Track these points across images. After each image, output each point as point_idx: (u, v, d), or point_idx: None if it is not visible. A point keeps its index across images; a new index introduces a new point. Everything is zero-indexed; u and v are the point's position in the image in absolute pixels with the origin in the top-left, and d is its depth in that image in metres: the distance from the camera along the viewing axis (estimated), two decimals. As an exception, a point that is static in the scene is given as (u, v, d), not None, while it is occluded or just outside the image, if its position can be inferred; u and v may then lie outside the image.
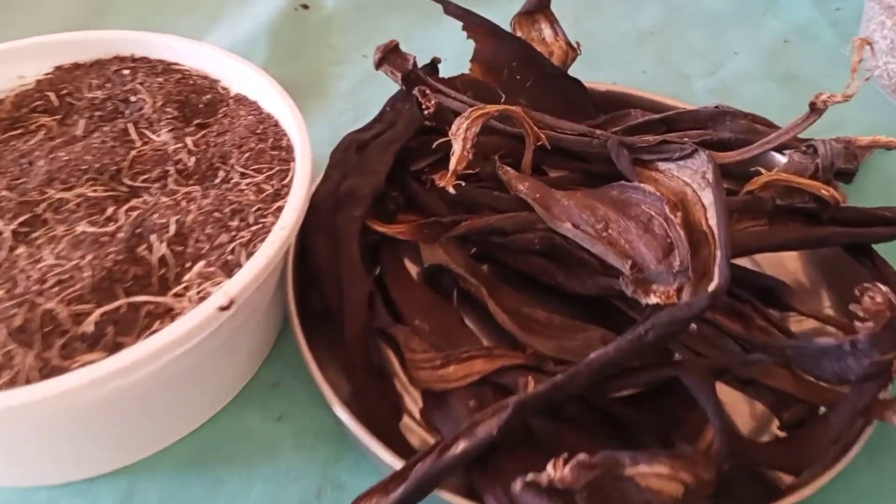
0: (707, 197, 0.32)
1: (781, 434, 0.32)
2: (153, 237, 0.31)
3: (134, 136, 0.36)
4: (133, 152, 0.35)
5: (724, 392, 0.32)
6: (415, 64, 0.41)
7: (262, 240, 0.30)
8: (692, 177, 0.34)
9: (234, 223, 0.32)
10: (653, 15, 0.62)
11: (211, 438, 0.32)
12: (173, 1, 0.61)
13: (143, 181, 0.34)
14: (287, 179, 0.34)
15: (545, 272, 0.36)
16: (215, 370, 0.32)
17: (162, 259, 0.30)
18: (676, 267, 0.30)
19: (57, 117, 0.38)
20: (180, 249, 0.31)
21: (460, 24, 0.44)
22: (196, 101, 0.38)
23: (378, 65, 0.41)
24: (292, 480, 0.31)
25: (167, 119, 0.37)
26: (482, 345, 0.34)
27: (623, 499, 0.24)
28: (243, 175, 0.34)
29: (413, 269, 0.38)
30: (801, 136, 0.37)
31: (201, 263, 0.30)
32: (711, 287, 0.28)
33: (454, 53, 0.45)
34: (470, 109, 0.36)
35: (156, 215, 0.32)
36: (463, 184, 0.35)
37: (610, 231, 0.32)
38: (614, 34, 0.60)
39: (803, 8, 0.62)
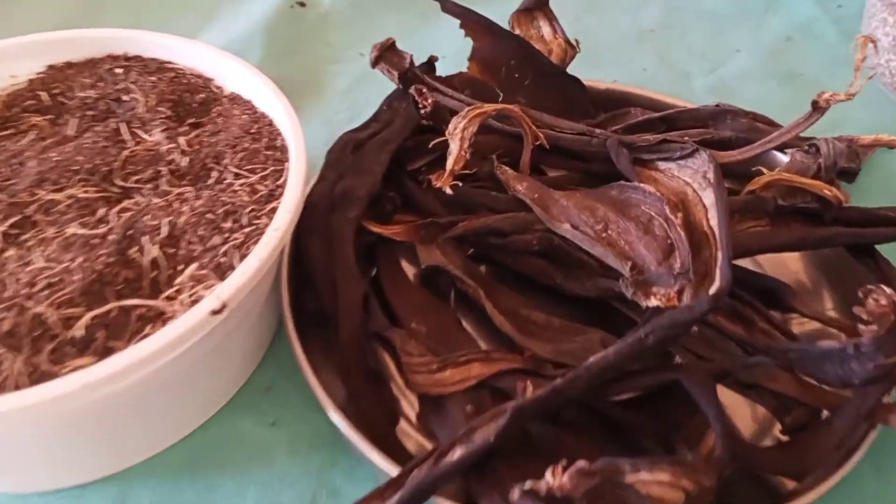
0: (708, 197, 0.32)
1: (783, 438, 0.31)
2: (145, 239, 0.30)
3: (126, 135, 0.36)
4: (125, 152, 0.35)
5: (726, 395, 0.31)
6: (411, 62, 0.40)
7: (256, 242, 0.30)
8: (693, 176, 0.34)
9: (228, 225, 0.31)
10: (653, 12, 0.62)
11: (204, 444, 0.32)
12: (168, -1, 0.61)
13: (135, 182, 0.34)
14: (281, 180, 0.33)
15: (544, 273, 0.35)
16: (208, 374, 0.31)
17: (154, 261, 0.30)
18: (677, 269, 0.29)
19: (49, 117, 0.37)
20: (172, 252, 0.30)
21: (458, 21, 0.43)
22: (189, 100, 0.38)
23: (374, 63, 0.40)
24: (286, 486, 0.31)
25: (160, 119, 0.36)
26: (480, 348, 0.33)
27: (623, 507, 0.23)
28: (237, 175, 0.34)
29: (410, 270, 0.38)
30: (802, 134, 0.37)
31: (194, 266, 0.30)
32: (713, 289, 0.28)
33: (452, 52, 0.44)
34: (467, 108, 0.35)
35: (148, 217, 0.31)
36: (460, 184, 0.34)
37: (609, 232, 0.32)
38: (614, 32, 0.59)
39: (805, 5, 0.61)
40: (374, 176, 0.37)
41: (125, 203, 0.32)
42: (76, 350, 0.27)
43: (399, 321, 0.34)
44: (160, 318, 0.28)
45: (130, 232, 0.31)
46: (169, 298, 0.29)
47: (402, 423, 0.32)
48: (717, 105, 0.41)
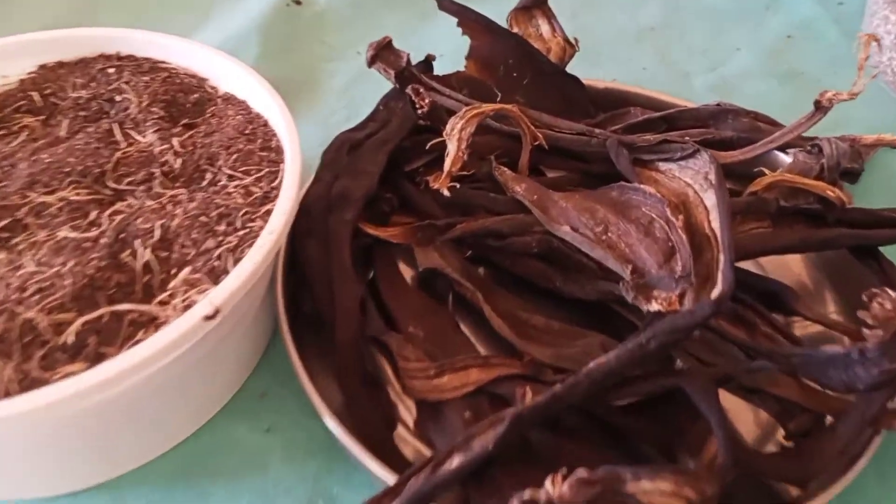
0: (710, 199, 0.31)
1: (787, 443, 0.31)
2: (137, 243, 0.30)
3: (119, 136, 0.35)
4: (118, 154, 0.34)
5: (728, 399, 0.31)
6: (408, 61, 0.40)
7: (250, 245, 0.30)
8: (694, 177, 0.33)
9: (221, 227, 0.31)
10: (652, 10, 0.61)
11: (197, 451, 0.31)
12: (164, -3, 0.60)
13: (128, 184, 0.33)
14: (276, 182, 0.33)
15: (543, 276, 0.35)
16: (201, 380, 0.31)
17: (146, 265, 0.29)
18: (678, 272, 0.29)
19: (40, 118, 0.37)
20: (165, 255, 0.30)
21: (455, 19, 0.42)
22: (183, 100, 0.37)
23: (370, 62, 0.40)
24: (282, 493, 0.30)
25: (153, 119, 0.36)
26: (478, 352, 0.33)
27: (624, 516, 0.23)
28: (231, 177, 0.33)
29: (408, 273, 0.37)
30: (804, 134, 0.36)
31: (187, 270, 0.29)
32: (715, 293, 0.27)
33: (450, 50, 0.44)
34: (465, 109, 0.34)
35: (140, 220, 0.31)
36: (458, 186, 0.34)
37: (609, 234, 0.31)
38: (613, 30, 0.59)
39: (805, 4, 0.61)
40: (370, 177, 0.36)
41: (117, 205, 0.32)
42: (67, 356, 0.27)
43: (396, 325, 0.33)
44: (153, 323, 0.28)
45: (123, 235, 0.30)
46: (162, 303, 0.28)
47: (400, 429, 0.31)
48: (717, 104, 0.40)
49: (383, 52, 0.40)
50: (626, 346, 0.27)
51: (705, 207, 0.31)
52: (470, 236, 0.35)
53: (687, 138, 0.36)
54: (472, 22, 0.42)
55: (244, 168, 0.33)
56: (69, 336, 0.27)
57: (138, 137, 0.35)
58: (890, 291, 0.28)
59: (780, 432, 0.31)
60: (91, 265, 0.29)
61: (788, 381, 0.30)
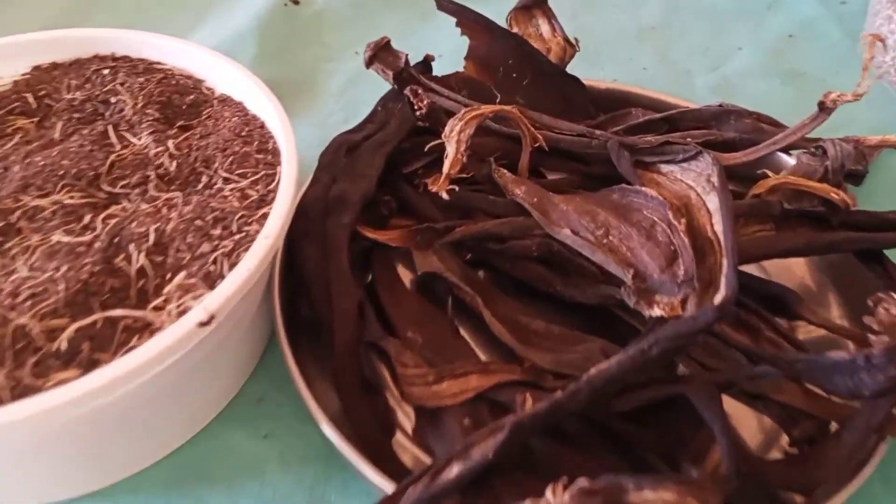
0: (712, 201, 0.31)
1: (791, 450, 0.30)
2: (132, 247, 0.30)
3: (113, 139, 0.35)
4: (112, 156, 0.34)
5: (731, 404, 0.31)
6: (407, 62, 0.39)
7: (246, 249, 0.29)
8: (696, 180, 0.33)
9: (217, 231, 0.30)
10: (653, 10, 0.61)
11: (193, 458, 0.31)
12: (160, -3, 0.60)
13: (123, 187, 0.33)
14: (273, 184, 0.32)
15: (543, 280, 0.34)
16: (197, 387, 0.30)
17: (141, 270, 0.29)
18: (681, 276, 0.29)
19: (34, 120, 0.37)
20: (160, 260, 0.29)
21: (454, 19, 0.42)
22: (179, 102, 0.37)
23: (368, 63, 0.39)
24: (279, 501, 0.30)
25: (148, 121, 0.35)
26: (477, 357, 0.32)
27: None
28: (227, 180, 0.33)
29: (407, 276, 0.37)
30: (807, 135, 0.36)
31: (182, 275, 0.29)
32: (718, 299, 0.27)
33: (450, 51, 0.43)
34: (464, 110, 0.34)
35: (135, 224, 0.30)
36: (456, 188, 0.33)
37: (611, 238, 0.31)
38: (613, 30, 0.58)
39: (807, 3, 0.60)
40: (368, 180, 0.36)
41: (112, 209, 0.32)
42: (60, 363, 0.26)
43: (395, 329, 0.33)
44: (147, 329, 0.27)
45: (117, 239, 0.30)
46: (156, 309, 0.28)
47: (399, 436, 0.31)
48: (720, 105, 0.40)
49: (381, 53, 0.39)
50: (627, 353, 0.26)
51: (708, 210, 0.31)
52: (469, 239, 0.35)
53: (689, 140, 0.36)
54: (471, 22, 0.42)
55: (240, 171, 0.33)
56: (62, 342, 0.27)
57: (133, 140, 0.35)
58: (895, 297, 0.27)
59: (785, 438, 0.30)
60: (85, 270, 0.28)
61: (792, 388, 0.29)
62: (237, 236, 0.30)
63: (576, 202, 0.33)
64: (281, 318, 0.32)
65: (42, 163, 0.33)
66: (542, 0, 0.44)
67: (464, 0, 0.42)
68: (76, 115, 0.36)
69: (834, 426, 0.29)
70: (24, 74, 0.38)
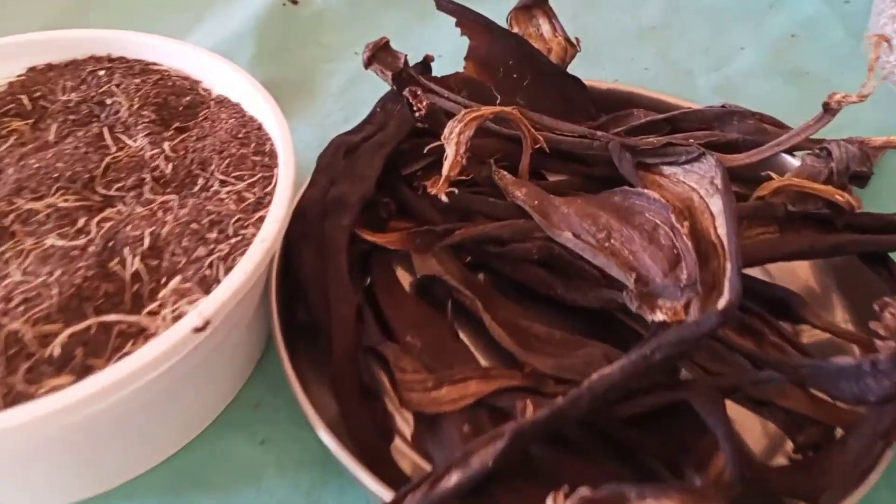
0: (716, 204, 0.31)
1: (795, 455, 0.30)
2: (126, 251, 0.29)
3: (109, 141, 0.34)
4: (107, 159, 0.33)
5: (735, 409, 0.30)
6: (406, 62, 0.39)
7: (242, 253, 0.29)
8: (699, 182, 0.33)
9: (213, 235, 0.30)
10: (654, 9, 0.60)
11: (188, 464, 0.31)
12: (158, -3, 0.60)
13: (117, 190, 0.32)
14: (270, 187, 0.32)
15: (544, 283, 0.34)
16: (193, 393, 0.30)
17: (135, 274, 0.29)
18: (684, 280, 0.28)
19: (29, 121, 0.36)
20: (155, 264, 0.29)
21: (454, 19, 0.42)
22: (175, 103, 0.37)
23: (367, 63, 0.39)
24: (276, 508, 0.29)
25: (144, 123, 0.35)
26: (477, 361, 0.32)
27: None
28: (223, 183, 0.32)
29: (406, 278, 0.36)
30: (811, 136, 0.35)
31: (177, 279, 0.28)
32: (721, 304, 0.26)
33: (450, 51, 0.43)
34: (464, 112, 0.34)
35: (129, 227, 0.30)
36: (456, 191, 0.33)
37: (612, 241, 0.31)
38: (614, 30, 0.58)
39: (810, 1, 0.60)
40: (367, 182, 0.35)
41: (106, 212, 0.31)
42: (53, 369, 0.26)
43: (394, 334, 0.32)
44: (142, 334, 0.27)
45: (111, 243, 0.29)
46: (151, 314, 0.28)
47: (398, 441, 0.30)
48: (722, 106, 0.39)
49: (380, 53, 0.39)
50: (629, 358, 0.26)
51: (711, 213, 0.30)
52: (469, 242, 0.34)
53: (692, 141, 0.35)
54: (470, 22, 0.41)
55: (237, 173, 0.33)
56: (55, 348, 0.26)
57: (129, 142, 0.34)
58: (902, 301, 0.27)
59: (789, 443, 0.30)
60: (78, 274, 0.28)
61: (797, 393, 0.29)
62: (233, 240, 0.30)
63: (577, 205, 0.33)
64: (278, 323, 0.31)
65: (36, 165, 0.33)
66: (542, 0, 0.44)
67: (464, 0, 0.41)
68: (71, 117, 0.36)
69: (839, 432, 0.29)
70: (19, 76, 0.38)
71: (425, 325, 0.32)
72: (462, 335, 0.34)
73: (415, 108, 0.36)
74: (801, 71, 0.53)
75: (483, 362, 0.32)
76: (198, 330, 0.26)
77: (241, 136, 0.34)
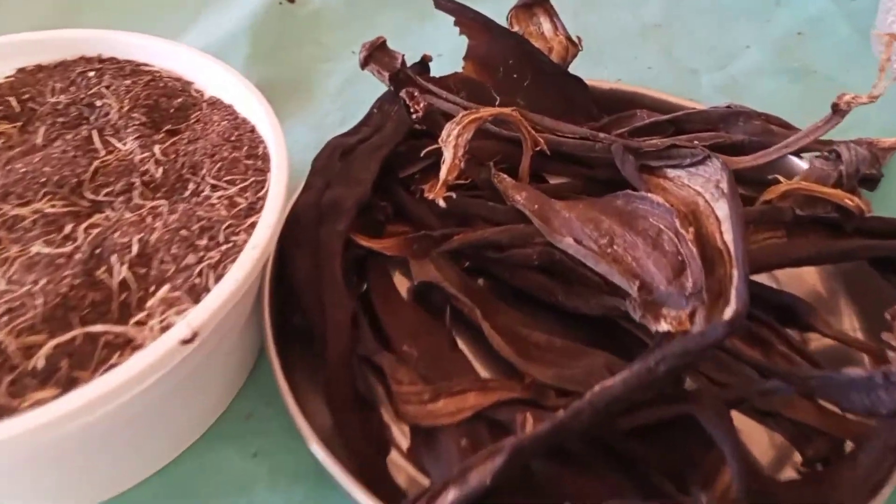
0: (721, 209, 0.30)
1: (804, 468, 0.29)
2: (114, 258, 0.28)
3: (98, 144, 0.33)
4: (96, 163, 0.32)
5: (742, 420, 0.29)
6: (403, 62, 0.38)
7: (233, 261, 0.28)
8: (704, 185, 0.32)
9: (203, 242, 0.29)
10: (657, 7, 0.59)
11: (178, 478, 0.30)
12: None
13: (106, 195, 0.31)
14: (262, 192, 0.31)
15: (545, 290, 0.33)
16: (182, 405, 0.29)
17: (123, 283, 0.28)
18: (689, 288, 0.27)
19: (18, 124, 0.35)
20: (143, 272, 0.28)
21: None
22: (166, 105, 0.36)
23: (364, 63, 0.38)
24: (268, 522, 0.29)
25: (134, 125, 0.34)
26: (475, 372, 0.31)
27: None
28: (215, 187, 0.31)
29: (404, 283, 0.35)
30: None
31: (166, 288, 0.27)
32: (728, 313, 0.26)
33: (449, 50, 0.42)
34: (462, 114, 0.33)
35: (117, 234, 0.29)
36: (454, 195, 0.32)
37: (615, 247, 0.30)
38: (617, 28, 0.57)
39: (816, -1, 0.59)
40: (363, 185, 0.34)
41: (94, 218, 0.30)
42: (37, 382, 0.25)
43: (390, 342, 0.32)
44: (129, 345, 0.26)
45: (98, 250, 0.29)
46: (139, 324, 0.27)
47: (394, 454, 0.30)
48: (728, 106, 0.38)
49: (377, 53, 0.38)
50: (632, 371, 0.25)
51: (717, 218, 0.29)
52: (468, 248, 0.33)
53: (696, 142, 0.34)
54: (470, 21, 0.41)
55: (229, 177, 0.32)
56: (39, 360, 0.25)
57: (118, 145, 0.33)
58: (915, 310, 0.26)
59: (798, 454, 0.29)
60: (64, 283, 0.27)
61: (805, 405, 0.28)
62: (224, 247, 0.29)
63: (578, 209, 0.32)
64: (271, 332, 0.31)
65: (23, 170, 0.32)
66: (543, -3, 0.43)
67: (463, -1, 0.41)
68: (60, 120, 0.35)
69: (849, 445, 0.28)
70: (7, 77, 0.37)
71: (422, 333, 0.32)
72: (461, 343, 0.33)
73: (412, 110, 0.35)
74: (808, 69, 0.52)
75: (482, 371, 0.32)
76: (186, 342, 0.25)
77: (233, 139, 0.33)
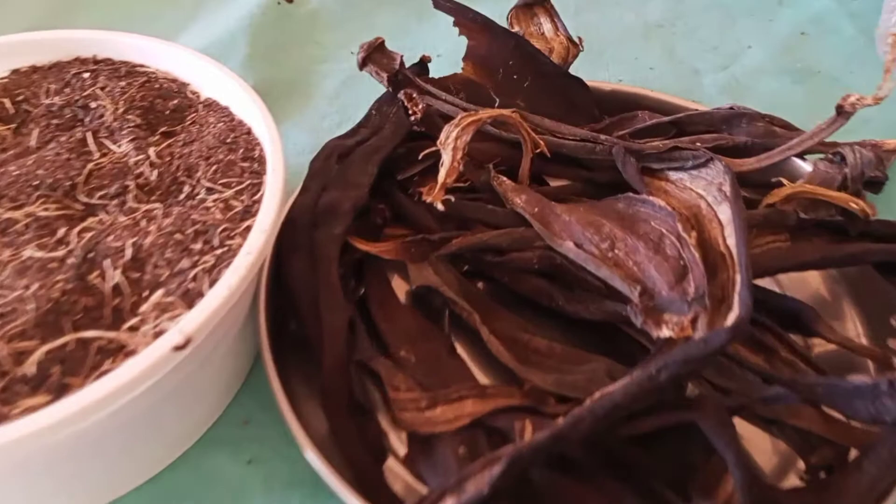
0: (724, 212, 0.29)
1: (807, 477, 0.28)
2: (107, 263, 0.28)
3: (92, 146, 0.33)
4: (90, 165, 0.32)
5: (744, 426, 0.29)
6: (402, 63, 0.37)
7: (228, 265, 0.27)
8: (707, 188, 0.31)
9: (198, 246, 0.28)
10: (659, 6, 0.59)
11: (173, 484, 0.29)
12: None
13: (100, 198, 0.31)
14: (258, 195, 0.31)
15: (545, 294, 0.32)
16: (177, 411, 0.29)
17: (116, 288, 0.27)
18: (691, 294, 0.27)
19: (12, 126, 0.35)
20: (137, 276, 0.28)
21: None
22: (162, 106, 0.35)
23: (362, 64, 0.38)
24: (263, 530, 0.28)
25: (129, 127, 0.34)
26: (474, 378, 0.30)
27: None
28: (210, 190, 0.31)
29: (403, 286, 0.35)
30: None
31: (159, 292, 0.27)
32: (731, 318, 0.25)
33: (449, 51, 0.42)
34: (461, 115, 0.32)
35: (111, 237, 0.29)
36: (452, 199, 0.32)
37: (616, 251, 0.29)
38: (618, 28, 0.56)
39: (819, -2, 0.58)
40: (360, 188, 0.34)
41: (88, 222, 0.30)
42: (29, 388, 0.25)
43: (387, 347, 0.31)
44: (121, 351, 0.26)
45: (91, 255, 0.28)
46: (132, 329, 0.26)
47: (391, 461, 0.29)
48: (731, 107, 0.38)
49: (375, 54, 0.37)
50: (633, 378, 0.25)
51: (719, 222, 0.29)
52: (467, 251, 0.33)
53: (698, 144, 0.34)
54: (469, 21, 0.40)
55: (224, 180, 0.31)
56: (31, 366, 0.25)
57: (113, 147, 0.33)
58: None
59: (801, 463, 0.29)
60: (56, 288, 0.27)
61: (810, 412, 0.28)
62: (219, 251, 0.28)
63: (579, 212, 0.31)
64: (266, 337, 0.30)
65: (16, 172, 0.31)
66: (543, -3, 0.42)
67: (463, -1, 0.40)
68: (54, 122, 0.34)
69: (854, 453, 0.28)
70: (1, 78, 0.37)
71: (420, 338, 0.31)
72: (459, 348, 0.32)
73: (410, 112, 0.35)
74: (812, 70, 0.52)
75: (481, 377, 0.31)
76: (178, 348, 0.24)
77: (229, 141, 0.33)
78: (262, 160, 0.32)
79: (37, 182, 0.31)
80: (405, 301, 0.34)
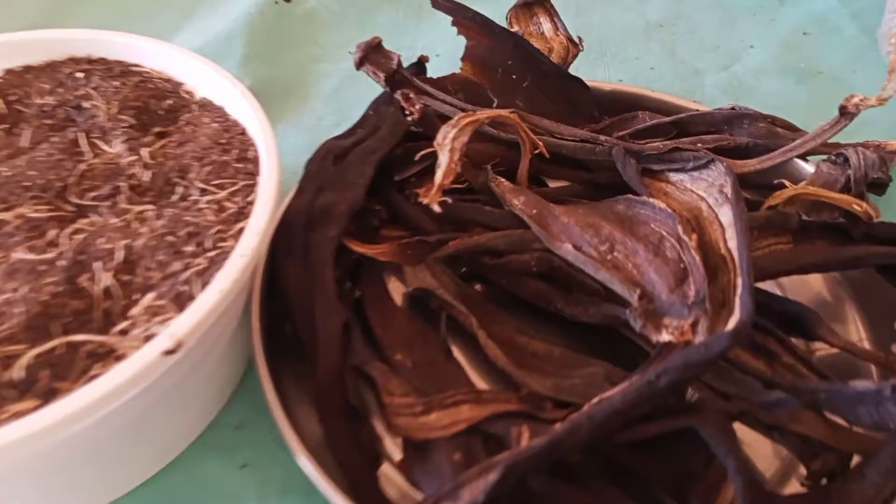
0: (725, 214, 0.29)
1: (809, 483, 0.28)
2: (97, 265, 0.27)
3: (85, 147, 0.32)
4: (82, 166, 0.31)
5: (745, 431, 0.28)
6: (399, 63, 0.37)
7: (221, 268, 0.27)
8: (708, 190, 0.31)
9: (190, 248, 0.28)
10: (660, 6, 0.58)
11: (165, 490, 0.29)
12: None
13: (92, 199, 0.30)
14: (252, 196, 0.30)
15: (543, 297, 0.32)
16: (168, 416, 0.28)
17: (106, 291, 0.27)
18: (691, 297, 0.26)
19: (5, 126, 0.34)
20: (127, 279, 0.27)
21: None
22: (156, 106, 0.35)
23: (359, 64, 0.37)
24: (255, 537, 0.28)
25: (122, 128, 0.33)
26: (471, 382, 0.30)
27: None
28: (203, 191, 0.30)
29: (399, 289, 0.34)
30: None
31: (150, 296, 0.27)
32: (732, 323, 0.25)
33: (447, 51, 0.41)
34: (458, 116, 0.32)
35: (102, 239, 0.28)
36: (449, 200, 0.31)
37: (615, 254, 0.29)
38: (618, 28, 0.56)
39: (821, -3, 0.58)
40: (356, 190, 0.33)
41: (79, 223, 0.29)
42: (17, 393, 0.24)
43: (383, 350, 0.31)
44: (112, 355, 0.25)
45: (82, 257, 0.28)
46: (122, 333, 0.26)
47: (386, 467, 0.29)
48: (732, 108, 0.37)
49: (372, 54, 0.37)
50: (632, 384, 0.24)
51: (720, 224, 0.29)
52: (464, 253, 0.33)
53: (699, 145, 0.34)
54: (468, 20, 0.40)
55: (218, 181, 0.31)
56: (19, 370, 0.24)
57: (105, 148, 0.32)
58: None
59: (803, 469, 0.28)
60: (46, 291, 0.26)
61: (812, 418, 0.27)
62: (212, 253, 0.28)
63: (578, 214, 0.31)
64: (260, 341, 0.30)
65: (8, 173, 0.31)
66: (543, -4, 0.42)
67: (462, -2, 0.40)
68: (47, 122, 0.34)
69: (856, 459, 0.27)
70: (-5, 78, 0.36)
71: (416, 342, 0.31)
72: (456, 351, 0.32)
73: (407, 112, 0.35)
74: (814, 70, 0.52)
75: (478, 381, 0.31)
76: (169, 353, 0.24)
77: (223, 141, 0.33)
78: (256, 161, 0.32)
79: (28, 183, 0.30)
80: (401, 304, 0.34)
